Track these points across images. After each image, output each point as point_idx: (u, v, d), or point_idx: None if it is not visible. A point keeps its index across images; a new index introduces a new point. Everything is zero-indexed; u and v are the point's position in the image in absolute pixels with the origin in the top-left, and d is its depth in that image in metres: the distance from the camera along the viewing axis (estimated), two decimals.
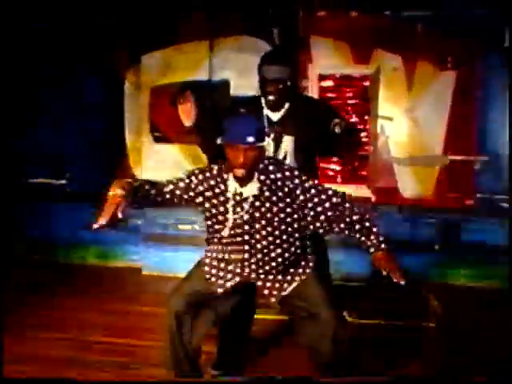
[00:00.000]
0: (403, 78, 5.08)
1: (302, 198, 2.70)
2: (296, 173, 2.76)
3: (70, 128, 5.49)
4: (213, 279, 2.86)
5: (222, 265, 2.85)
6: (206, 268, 2.88)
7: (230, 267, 2.83)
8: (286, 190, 2.71)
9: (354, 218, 2.72)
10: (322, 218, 2.70)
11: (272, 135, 3.31)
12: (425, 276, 4.96)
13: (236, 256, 2.80)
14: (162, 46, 5.32)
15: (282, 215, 2.71)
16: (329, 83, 5.23)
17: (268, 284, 2.84)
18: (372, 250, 2.70)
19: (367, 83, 5.16)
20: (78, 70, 5.41)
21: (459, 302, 4.66)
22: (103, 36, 5.32)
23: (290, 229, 2.76)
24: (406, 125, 5.12)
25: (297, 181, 2.72)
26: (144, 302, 4.53)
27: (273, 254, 2.78)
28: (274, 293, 2.85)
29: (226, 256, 2.83)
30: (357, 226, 2.72)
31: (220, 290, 2.85)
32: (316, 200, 2.70)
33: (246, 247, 2.78)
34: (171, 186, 2.77)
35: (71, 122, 5.49)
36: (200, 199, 2.77)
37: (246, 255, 2.80)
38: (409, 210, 5.13)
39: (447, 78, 5.02)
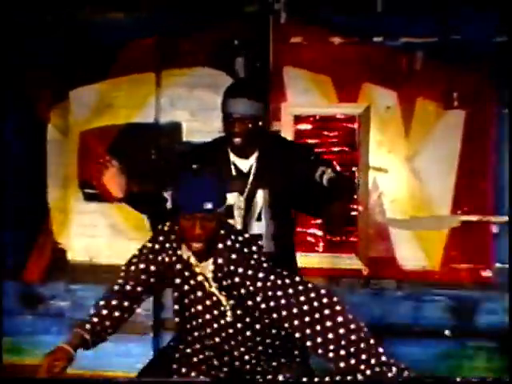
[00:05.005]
0: (399, 119, 4.71)
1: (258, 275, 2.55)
2: (255, 247, 2.64)
3: None
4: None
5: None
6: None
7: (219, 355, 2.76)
8: (244, 262, 2.60)
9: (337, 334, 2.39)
10: (271, 305, 2.51)
11: (246, 190, 3.05)
12: (433, 370, 4.51)
13: (209, 341, 2.72)
14: (96, 79, 4.93)
15: (242, 290, 2.58)
16: (306, 126, 4.89)
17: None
18: None
19: (355, 126, 4.82)
20: None
21: None
22: (22, 67, 4.90)
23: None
24: (404, 178, 4.74)
25: (255, 256, 2.60)
26: None
27: (248, 333, 2.68)
28: None
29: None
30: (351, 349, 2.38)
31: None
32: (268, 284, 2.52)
33: (216, 325, 2.67)
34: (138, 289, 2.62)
35: None
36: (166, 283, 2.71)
37: (217, 339, 2.70)
38: (410, 285, 4.74)
39: (454, 119, 4.65)
